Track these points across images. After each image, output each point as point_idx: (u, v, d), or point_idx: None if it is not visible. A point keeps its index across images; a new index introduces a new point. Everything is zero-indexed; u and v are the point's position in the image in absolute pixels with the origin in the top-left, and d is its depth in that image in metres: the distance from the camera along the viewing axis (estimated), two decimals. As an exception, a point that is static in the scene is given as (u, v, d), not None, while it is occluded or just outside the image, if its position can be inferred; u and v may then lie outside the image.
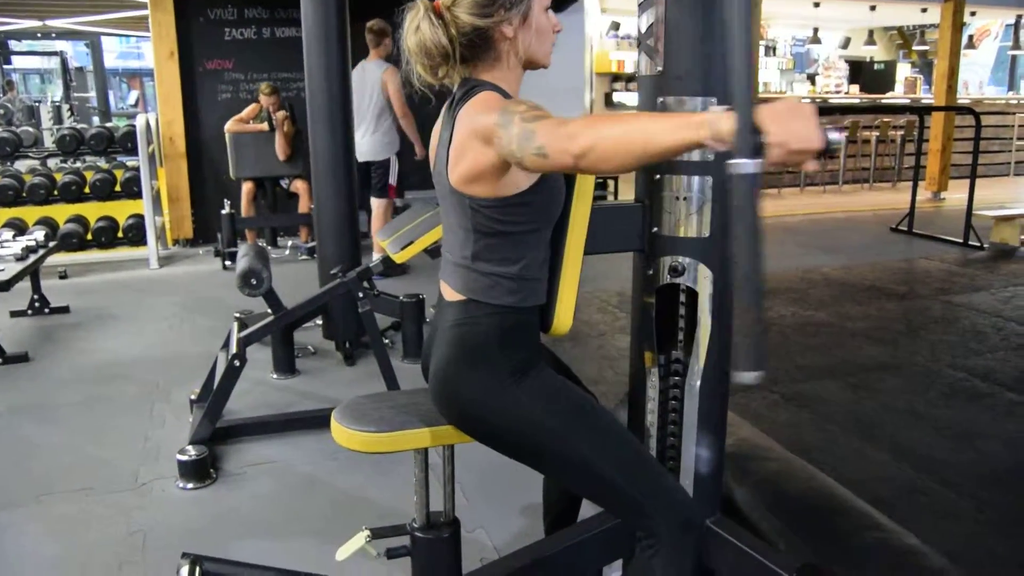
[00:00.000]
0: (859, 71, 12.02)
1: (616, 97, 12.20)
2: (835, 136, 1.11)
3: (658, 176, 1.69)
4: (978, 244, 6.74)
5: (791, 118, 1.09)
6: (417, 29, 1.46)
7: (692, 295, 1.75)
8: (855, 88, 11.81)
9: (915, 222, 7.49)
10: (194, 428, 2.96)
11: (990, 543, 2.41)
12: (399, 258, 3.02)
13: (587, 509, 1.98)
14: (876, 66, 12.30)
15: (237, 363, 2.90)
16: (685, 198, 1.67)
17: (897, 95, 11.97)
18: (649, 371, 1.80)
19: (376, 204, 5.69)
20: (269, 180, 6.51)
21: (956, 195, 9.72)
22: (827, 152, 1.11)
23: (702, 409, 1.77)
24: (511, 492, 2.67)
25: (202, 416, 2.94)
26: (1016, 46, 12.66)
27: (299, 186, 6.52)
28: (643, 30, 1.67)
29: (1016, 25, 13.27)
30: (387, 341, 4.27)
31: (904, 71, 13.08)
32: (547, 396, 1.52)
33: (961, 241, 6.88)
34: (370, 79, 5.44)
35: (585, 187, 1.57)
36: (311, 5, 3.74)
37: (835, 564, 1.76)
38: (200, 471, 2.79)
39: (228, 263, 6.09)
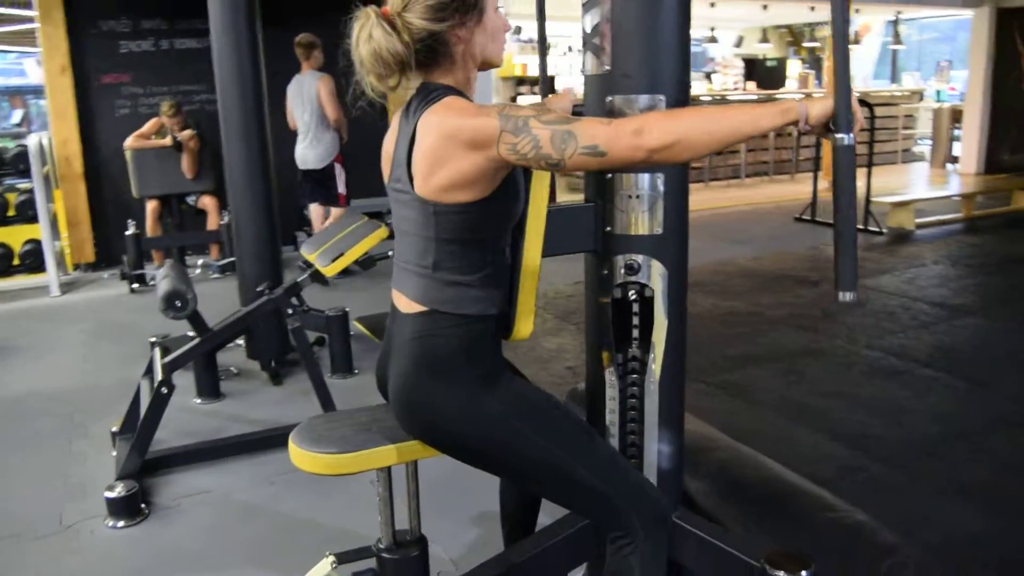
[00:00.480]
0: (753, 68, 12.43)
1: (521, 101, 12.28)
2: None
3: (610, 176, 1.68)
4: (877, 229, 7.06)
5: (855, 101, 1.35)
6: (370, 38, 1.41)
7: (645, 293, 1.76)
8: (751, 85, 12.22)
9: (817, 211, 7.80)
10: (121, 462, 2.80)
11: (926, 512, 2.51)
12: (329, 271, 2.94)
13: (543, 516, 1.97)
14: (769, 63, 12.73)
15: (165, 390, 2.77)
16: (638, 196, 1.67)
17: (790, 90, 12.44)
18: (607, 371, 1.80)
19: (324, 213, 5.87)
20: (175, 197, 6.26)
21: (851, 184, 10.18)
22: None
23: (662, 405, 1.78)
24: (460, 503, 2.64)
25: (129, 449, 2.79)
26: (897, 41, 13.34)
27: (207, 202, 6.30)
28: (588, 30, 1.66)
29: (895, 22, 14.01)
30: (314, 357, 4.16)
31: (795, 67, 13.58)
32: (517, 403, 1.49)
33: (862, 227, 7.19)
34: (307, 90, 5.55)
35: (540, 189, 1.56)
36: (220, 14, 3.61)
37: (794, 546, 1.78)
38: (131, 507, 2.65)
39: (135, 286, 5.83)
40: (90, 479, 2.95)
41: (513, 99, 12.18)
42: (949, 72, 14.98)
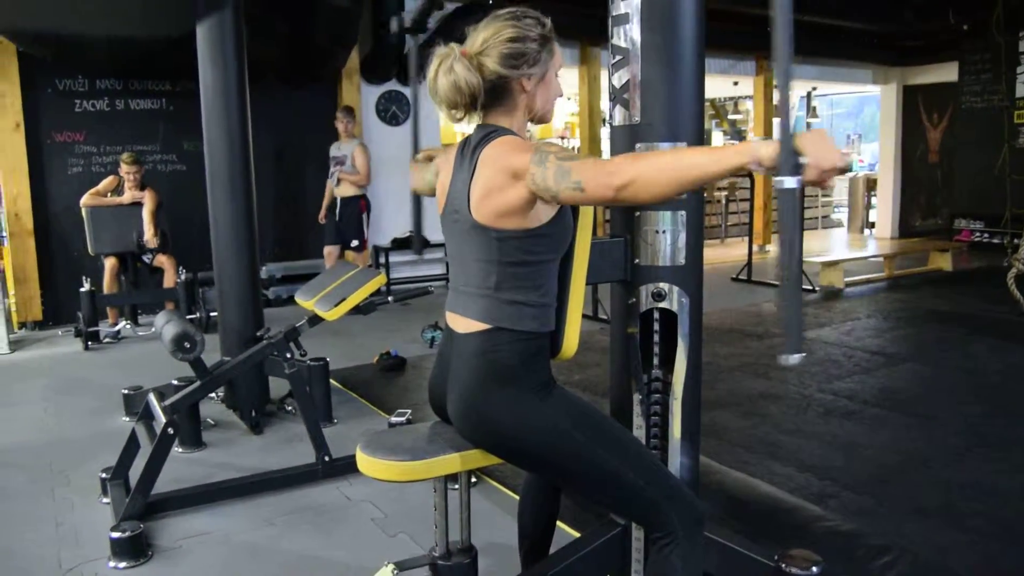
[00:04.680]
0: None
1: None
2: (850, 159, 1.37)
3: (638, 213, 1.89)
4: (811, 288, 7.49)
5: (822, 144, 1.32)
6: (451, 70, 1.60)
7: (666, 318, 1.96)
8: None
9: (753, 271, 8.24)
10: (125, 504, 2.80)
11: (898, 528, 2.72)
12: (331, 316, 3.05)
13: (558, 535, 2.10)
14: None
15: (171, 431, 2.81)
16: (664, 231, 1.89)
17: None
18: (635, 392, 1.97)
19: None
20: (131, 255, 6.24)
21: (776, 247, 10.74)
22: (847, 171, 1.36)
23: (684, 420, 1.96)
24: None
25: (133, 490, 2.80)
26: (813, 115, 14.26)
27: (163, 260, 6.29)
28: (618, 86, 1.89)
29: (808, 96, 15.01)
30: (289, 408, 4.21)
31: (718, 140, 14.35)
32: (572, 411, 1.65)
33: (795, 285, 7.61)
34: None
35: (587, 221, 1.75)
36: (210, 73, 3.75)
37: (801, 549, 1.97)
38: (136, 548, 2.65)
39: (90, 343, 5.75)
40: (82, 524, 2.93)
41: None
42: (859, 144, 16.08)
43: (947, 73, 10.53)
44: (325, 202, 6.97)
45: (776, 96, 1.38)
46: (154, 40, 5.97)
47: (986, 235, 9.84)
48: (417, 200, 2.31)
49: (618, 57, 1.87)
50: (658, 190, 1.41)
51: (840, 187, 13.93)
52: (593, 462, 1.64)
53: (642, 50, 1.82)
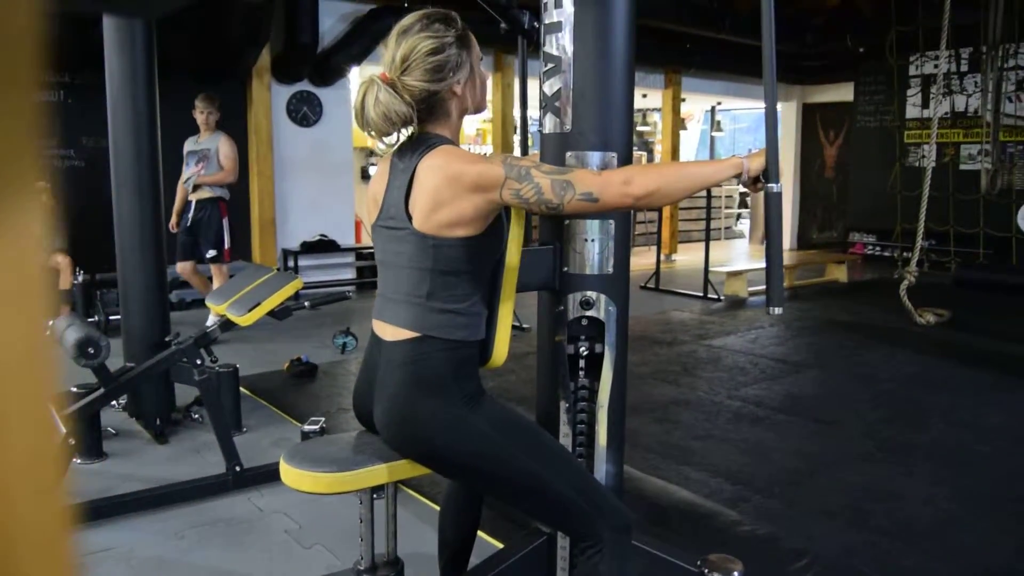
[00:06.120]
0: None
1: (371, 171, 12.47)
2: None
3: (568, 221, 1.90)
4: (716, 296, 7.72)
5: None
6: (377, 101, 1.57)
7: (593, 326, 1.97)
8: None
9: (660, 280, 8.42)
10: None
11: (808, 530, 2.82)
12: (246, 321, 2.95)
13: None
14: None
15: (72, 442, 2.66)
16: (593, 240, 1.90)
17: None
18: (561, 400, 1.98)
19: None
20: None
21: (682, 257, 11.04)
22: None
23: (609, 428, 1.98)
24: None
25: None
26: (718, 129, 14.72)
27: (59, 261, 5.97)
28: (549, 94, 1.89)
29: (712, 111, 15.49)
30: (196, 416, 4.06)
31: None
32: (501, 420, 1.64)
33: (701, 295, 7.84)
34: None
35: (517, 231, 1.75)
36: (116, 61, 3.58)
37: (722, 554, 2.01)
38: (31, 566, 2.50)
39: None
40: (-29, 543, 2.75)
41: (364, 169, 12.39)
42: (760, 159, 16.66)
43: (843, 93, 11.05)
44: (178, 207, 5.82)
45: (763, 114, 1.71)
46: (52, 28, 5.67)
47: (878, 248, 10.36)
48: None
49: (550, 65, 1.88)
50: (675, 197, 1.63)
51: (742, 199, 14.42)
52: (522, 472, 1.63)
53: (574, 59, 1.83)
